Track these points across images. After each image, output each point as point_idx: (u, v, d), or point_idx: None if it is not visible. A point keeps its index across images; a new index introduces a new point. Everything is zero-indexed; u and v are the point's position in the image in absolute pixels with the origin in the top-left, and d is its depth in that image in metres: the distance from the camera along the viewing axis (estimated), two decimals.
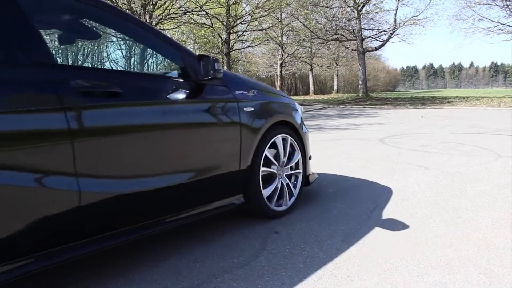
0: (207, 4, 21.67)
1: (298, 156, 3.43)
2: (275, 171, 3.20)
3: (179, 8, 21.26)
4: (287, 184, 3.33)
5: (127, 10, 18.38)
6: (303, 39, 26.11)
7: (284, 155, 3.29)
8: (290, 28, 26.46)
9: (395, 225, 3.00)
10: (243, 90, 2.92)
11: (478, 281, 2.13)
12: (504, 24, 21.46)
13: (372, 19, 24.72)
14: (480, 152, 5.96)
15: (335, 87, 42.28)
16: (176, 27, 24.67)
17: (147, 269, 2.38)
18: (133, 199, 2.22)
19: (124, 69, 2.76)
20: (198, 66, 2.53)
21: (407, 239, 2.73)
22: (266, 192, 3.08)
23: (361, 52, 23.96)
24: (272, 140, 3.11)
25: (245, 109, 2.87)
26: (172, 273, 2.31)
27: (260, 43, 28.58)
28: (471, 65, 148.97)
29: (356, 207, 3.46)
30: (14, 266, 1.76)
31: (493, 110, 15.94)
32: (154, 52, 2.87)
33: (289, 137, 3.32)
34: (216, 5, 22.97)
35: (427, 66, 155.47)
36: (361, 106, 20.82)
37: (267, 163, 3.11)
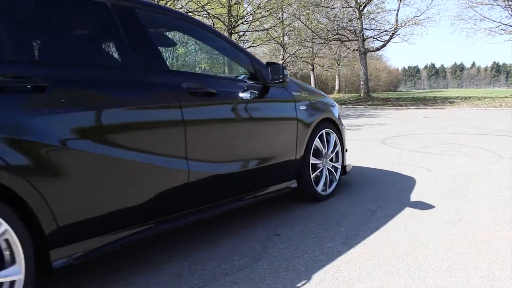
0: (208, 5, 21.68)
1: (338, 148, 3.94)
2: (321, 161, 3.71)
3: (180, 8, 21.28)
4: (330, 172, 3.85)
5: None
6: (305, 39, 26.09)
7: (328, 147, 3.80)
8: (292, 28, 26.47)
9: (397, 227, 3.00)
10: (297, 91, 3.47)
11: (480, 285, 2.13)
12: (506, 24, 21.42)
13: (373, 19, 24.73)
14: (482, 153, 5.96)
15: (337, 87, 42.27)
16: None
17: (148, 271, 2.38)
18: (223, 179, 2.76)
19: (215, 74, 3.51)
20: (266, 72, 3.10)
21: (408, 242, 2.73)
22: (314, 179, 3.60)
23: (362, 52, 23.95)
24: (319, 133, 3.64)
25: (300, 107, 3.41)
26: (174, 276, 2.31)
27: (262, 44, 28.59)
28: (473, 65, 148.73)
29: (358, 209, 3.46)
30: (142, 229, 2.29)
31: (494, 110, 15.92)
32: (231, 60, 3.42)
33: (332, 132, 3.85)
34: (217, 6, 22.97)
35: (428, 66, 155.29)
36: (363, 107, 20.82)
37: (315, 153, 3.63)
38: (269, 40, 27.45)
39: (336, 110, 4.02)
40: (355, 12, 23.59)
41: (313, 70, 39.11)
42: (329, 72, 44.76)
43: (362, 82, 25.18)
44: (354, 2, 23.06)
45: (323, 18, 25.08)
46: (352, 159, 5.72)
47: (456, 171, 4.81)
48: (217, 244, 2.76)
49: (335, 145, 3.90)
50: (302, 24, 24.76)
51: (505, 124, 10.08)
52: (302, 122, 3.41)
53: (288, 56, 30.04)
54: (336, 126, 3.91)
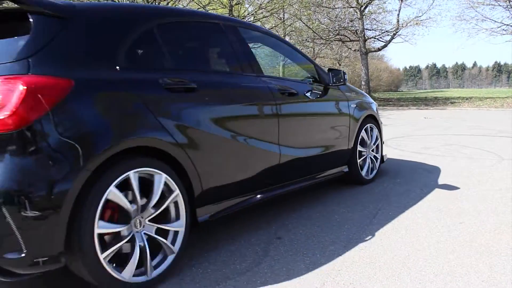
0: (209, 5, 21.69)
1: (378, 142, 4.65)
2: (365, 150, 4.42)
3: None
4: (372, 161, 4.52)
5: None
6: (306, 40, 26.07)
7: (371, 139, 4.52)
8: (293, 29, 26.46)
9: (398, 231, 3.01)
10: (348, 92, 4.22)
11: None
12: (507, 25, 21.39)
13: (375, 19, 24.70)
14: (483, 155, 5.96)
15: None
16: None
17: None
18: (301, 161, 3.44)
19: (293, 78, 4.08)
20: (328, 76, 3.85)
21: (409, 245, 2.73)
22: (361, 166, 4.33)
23: (363, 52, 23.94)
24: (364, 127, 4.37)
25: (351, 105, 4.16)
26: (175, 280, 2.32)
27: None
28: (474, 64, 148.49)
29: (359, 212, 3.47)
30: (248, 197, 2.97)
31: (496, 111, 15.90)
32: (300, 66, 4.21)
33: (374, 126, 4.57)
34: (219, 6, 22.98)
35: (430, 66, 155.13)
36: None
37: (361, 144, 4.33)
38: None
39: (375, 108, 4.69)
40: (356, 12, 23.57)
41: None
42: None
43: (363, 82, 25.17)
44: (356, 3, 23.04)
45: (325, 18, 25.06)
46: None
47: (457, 173, 4.81)
48: (218, 247, 2.77)
49: (377, 138, 4.63)
50: (303, 24, 24.74)
51: (506, 125, 10.07)
52: (353, 117, 4.16)
53: None
54: (376, 122, 4.64)
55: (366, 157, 4.43)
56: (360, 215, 3.39)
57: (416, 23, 22.78)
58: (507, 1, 20.69)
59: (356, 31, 24.25)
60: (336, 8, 24.45)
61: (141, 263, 2.18)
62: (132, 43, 2.41)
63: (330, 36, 24.50)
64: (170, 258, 2.34)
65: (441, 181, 4.48)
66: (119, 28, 2.40)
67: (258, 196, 3.06)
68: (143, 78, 2.37)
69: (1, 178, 1.80)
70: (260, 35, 3.69)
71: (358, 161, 4.27)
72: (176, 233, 2.38)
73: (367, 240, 2.85)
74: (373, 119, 4.54)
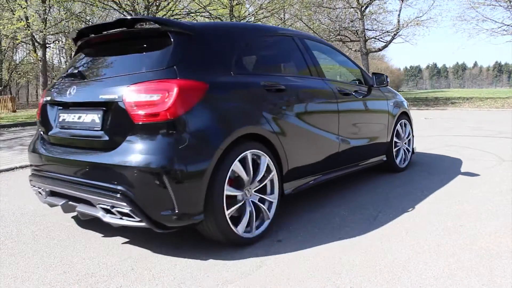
0: (210, 6, 21.68)
1: (410, 136, 5.37)
2: (400, 142, 5.13)
3: (182, 9, 21.28)
4: (404, 152, 5.23)
5: (131, 12, 18.42)
6: None
7: (404, 133, 5.23)
8: (294, 29, 26.51)
9: (398, 233, 3.01)
10: (387, 92, 4.95)
11: None
12: (508, 25, 21.38)
13: (375, 19, 24.66)
14: (484, 156, 5.96)
15: None
16: None
17: (150, 278, 2.39)
18: (353, 149, 4.11)
19: (346, 80, 4.80)
20: (372, 79, 4.60)
21: (410, 248, 2.74)
22: (395, 156, 5.02)
23: (364, 53, 23.92)
24: (399, 122, 5.07)
25: (390, 104, 4.87)
26: (176, 283, 2.33)
27: None
28: (475, 64, 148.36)
29: (359, 214, 3.47)
30: (317, 177, 3.62)
31: (496, 111, 15.88)
32: (349, 70, 4.90)
33: (407, 122, 5.30)
34: (219, 6, 22.97)
35: (430, 65, 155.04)
36: None
37: (396, 137, 5.03)
38: None
39: (407, 106, 5.35)
40: (357, 12, 23.54)
41: None
42: None
43: None
44: (356, 3, 23.01)
45: (325, 18, 25.04)
46: None
47: (458, 175, 4.81)
48: (219, 250, 2.77)
49: (409, 133, 5.34)
50: (304, 24, 24.73)
51: (506, 126, 10.06)
52: (391, 114, 4.85)
53: None
54: (409, 118, 5.35)
55: (400, 148, 5.13)
56: (361, 217, 3.40)
57: (417, 24, 22.75)
58: (508, 2, 20.67)
59: (356, 31, 24.23)
60: (336, 8, 24.43)
61: (247, 224, 2.86)
62: (239, 54, 3.08)
63: (330, 37, 24.46)
64: (266, 223, 3.00)
65: (441, 183, 4.48)
66: (230, 42, 3.08)
67: (323, 177, 3.71)
68: (250, 81, 3.08)
69: (161, 156, 2.46)
70: (319, 44, 4.25)
71: (394, 151, 4.97)
72: (271, 203, 3.06)
73: (367, 243, 2.85)
74: (406, 116, 5.27)
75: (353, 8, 23.54)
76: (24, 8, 18.29)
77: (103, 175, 2.61)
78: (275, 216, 3.08)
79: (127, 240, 3.01)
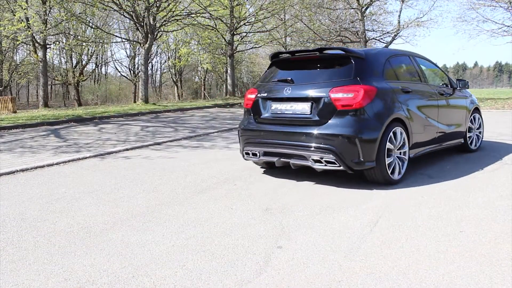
0: (211, 6, 21.69)
1: (481, 126, 6.91)
2: (473, 130, 6.68)
3: (183, 10, 21.28)
4: (476, 137, 6.75)
5: (131, 12, 18.40)
6: (307, 40, 26.04)
7: (476, 123, 6.75)
8: (294, 30, 26.45)
9: (398, 239, 3.01)
10: (465, 92, 6.58)
11: None
12: (508, 26, 21.34)
13: (375, 20, 24.66)
14: (484, 159, 5.95)
15: None
16: (180, 29, 24.68)
17: (151, 285, 2.40)
18: (444, 132, 5.70)
19: (439, 84, 6.19)
20: (455, 82, 6.30)
21: (410, 255, 2.74)
22: (469, 139, 6.52)
23: None
24: (473, 115, 6.65)
25: (467, 101, 6.51)
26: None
27: (264, 45, 28.58)
28: (475, 64, 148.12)
29: (359, 219, 3.48)
30: (424, 149, 5.31)
31: (497, 112, 15.86)
32: (438, 76, 6.47)
33: (479, 116, 6.85)
34: (220, 7, 22.97)
35: None
36: None
37: (469, 126, 6.55)
38: (271, 41, 27.45)
39: (477, 103, 6.86)
40: (357, 13, 23.53)
41: None
42: None
43: None
44: (356, 4, 23.00)
45: (325, 19, 25.03)
46: None
47: (458, 178, 4.81)
48: (220, 255, 2.78)
49: (480, 125, 6.88)
50: (304, 25, 24.74)
51: (507, 127, 10.04)
52: (468, 109, 6.45)
53: None
54: (479, 112, 6.89)
55: (472, 134, 6.65)
56: (361, 223, 3.40)
57: (417, 24, 22.74)
58: (508, 2, 20.65)
59: (357, 32, 24.22)
60: (337, 9, 24.43)
61: (393, 172, 4.66)
62: (386, 67, 4.93)
63: (331, 37, 24.45)
64: (402, 172, 4.80)
65: (442, 187, 4.48)
66: (381, 61, 4.92)
67: (427, 150, 5.40)
68: (394, 86, 4.87)
69: (354, 128, 4.31)
70: (422, 60, 5.96)
71: (468, 136, 6.48)
72: (403, 161, 4.85)
73: (367, 249, 2.85)
74: (477, 111, 6.82)
75: (354, 9, 23.53)
76: (24, 9, 18.29)
77: (315, 140, 4.44)
78: (406, 169, 4.86)
79: (127, 247, 3.02)
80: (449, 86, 6.19)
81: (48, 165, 6.01)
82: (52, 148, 7.63)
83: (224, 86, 36.64)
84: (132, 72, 36.83)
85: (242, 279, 2.46)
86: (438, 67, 6.38)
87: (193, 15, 21.56)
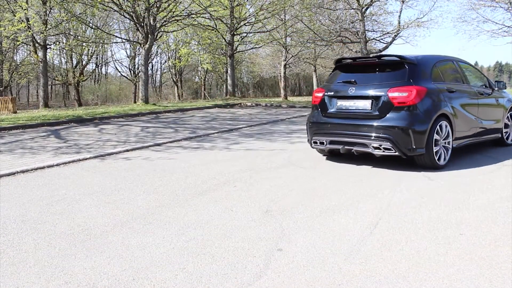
0: (211, 7, 21.68)
1: None
2: (509, 126, 7.35)
3: (183, 10, 21.27)
4: (509, 135, 7.42)
5: (131, 13, 18.41)
6: (307, 41, 26.00)
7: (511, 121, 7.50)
8: (294, 30, 26.44)
9: (398, 242, 3.02)
10: (502, 92, 7.22)
11: None
12: (508, 27, 21.35)
13: (376, 21, 24.62)
14: (484, 160, 5.96)
15: None
16: (180, 30, 24.67)
17: None
18: (483, 127, 6.46)
19: (478, 85, 6.88)
20: (494, 84, 7.09)
21: (410, 258, 2.74)
22: (505, 134, 7.18)
23: (365, 54, 23.91)
24: (509, 113, 7.25)
25: (504, 100, 7.16)
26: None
27: (264, 45, 28.56)
28: (476, 64, 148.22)
29: (359, 222, 3.48)
30: (466, 141, 6.16)
31: None
32: (479, 78, 7.17)
33: None
34: (220, 7, 22.96)
35: None
36: None
37: (506, 123, 7.22)
38: (271, 41, 27.45)
39: None
40: (357, 13, 23.50)
41: (315, 70, 39.04)
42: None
43: None
44: (357, 4, 22.98)
45: (326, 19, 24.98)
46: (353, 168, 5.72)
47: (458, 180, 4.81)
48: (220, 258, 2.78)
49: None
50: (305, 25, 24.72)
51: None
52: (505, 107, 7.12)
53: (291, 57, 30.01)
54: None
55: (508, 130, 7.33)
56: (361, 225, 3.40)
57: (417, 25, 22.72)
58: (509, 3, 20.65)
59: (357, 32, 24.20)
60: (337, 9, 24.40)
61: (439, 159, 5.51)
62: (434, 71, 5.78)
63: (331, 37, 24.43)
64: (447, 159, 5.62)
65: (442, 189, 4.48)
66: (429, 65, 5.76)
67: (468, 142, 6.13)
68: (440, 86, 5.71)
69: (408, 121, 5.21)
70: (464, 64, 6.74)
71: (504, 131, 7.17)
72: (448, 150, 5.65)
73: (367, 252, 2.86)
74: None
75: (354, 9, 23.51)
76: (25, 9, 18.29)
77: (375, 131, 5.37)
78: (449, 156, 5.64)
79: (127, 249, 3.02)
80: (488, 86, 6.92)
81: (49, 166, 6.02)
82: (52, 149, 7.63)
83: (224, 86, 36.64)
84: (132, 72, 36.82)
85: (243, 282, 2.46)
86: (479, 70, 7.27)
87: (193, 16, 21.54)
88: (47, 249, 3.05)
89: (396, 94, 5.29)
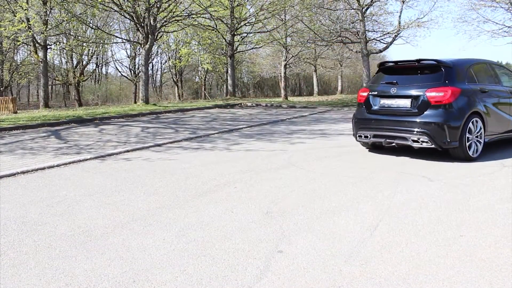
0: (211, 7, 21.68)
1: None
2: None
3: (183, 10, 21.27)
4: None
5: (132, 13, 18.41)
6: (307, 41, 25.99)
7: None
8: (294, 30, 26.43)
9: (398, 244, 3.02)
10: None
11: None
12: (509, 27, 21.33)
13: (376, 21, 24.59)
14: (484, 161, 5.96)
15: (339, 88, 42.14)
16: (180, 30, 24.66)
17: None
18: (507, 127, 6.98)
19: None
20: None
21: (410, 259, 2.75)
22: None
23: (365, 54, 23.88)
24: None
25: None
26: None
27: (264, 45, 28.55)
28: None
29: (359, 223, 3.48)
30: (499, 136, 6.81)
31: None
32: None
33: None
34: (220, 8, 22.96)
35: None
36: None
37: None
38: (271, 41, 27.43)
39: None
40: (357, 14, 23.49)
41: (315, 71, 39.04)
42: (332, 73, 44.59)
43: (364, 84, 25.08)
44: (357, 4, 22.96)
45: (326, 20, 24.96)
46: (354, 169, 5.72)
47: (458, 181, 4.81)
48: (221, 261, 2.79)
49: None
50: (305, 25, 24.70)
51: None
52: None
53: (291, 57, 29.99)
54: None
55: None
56: (361, 226, 3.40)
57: (418, 25, 22.69)
58: (509, 3, 20.64)
59: (357, 32, 24.18)
60: (337, 9, 24.39)
61: (472, 151, 6.10)
62: (468, 73, 6.36)
63: (331, 38, 24.42)
64: (479, 151, 6.19)
65: (442, 189, 4.48)
66: (464, 68, 6.36)
67: (499, 137, 6.69)
68: (473, 87, 6.29)
69: (444, 118, 5.89)
70: (497, 66, 7.33)
71: None
72: (480, 144, 6.19)
73: (367, 254, 2.86)
74: None
75: (354, 9, 23.49)
76: (25, 10, 18.30)
77: (414, 126, 6.01)
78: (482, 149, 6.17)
79: (128, 251, 3.02)
80: None
81: (49, 167, 6.02)
82: (52, 149, 7.64)
83: (225, 86, 36.62)
84: (132, 72, 36.81)
85: (243, 284, 2.46)
86: (508, 69, 7.76)
87: (193, 16, 21.55)
88: (47, 251, 3.06)
89: (433, 94, 5.95)
